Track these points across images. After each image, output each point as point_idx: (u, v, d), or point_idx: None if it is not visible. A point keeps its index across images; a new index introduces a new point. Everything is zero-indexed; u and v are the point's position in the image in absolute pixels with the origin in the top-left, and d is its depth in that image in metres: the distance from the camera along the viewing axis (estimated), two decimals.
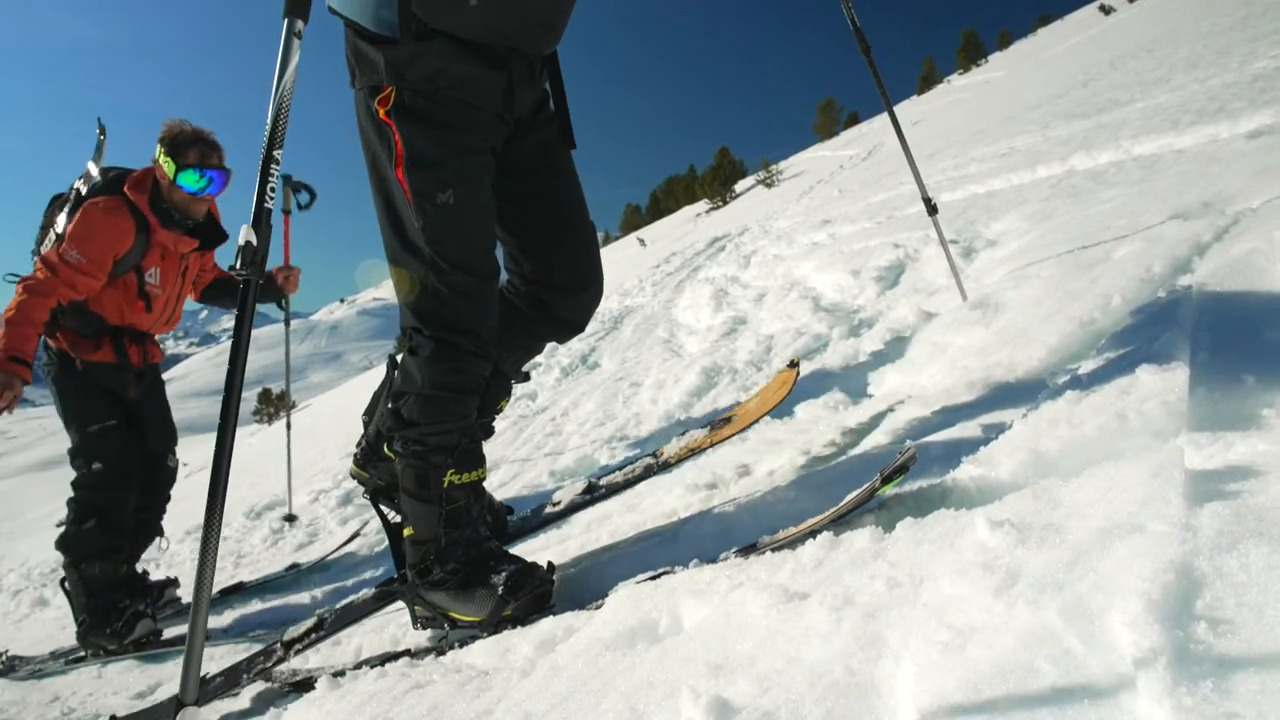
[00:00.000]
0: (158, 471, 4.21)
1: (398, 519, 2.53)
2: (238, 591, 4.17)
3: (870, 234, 6.16)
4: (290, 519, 5.19)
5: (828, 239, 7.42)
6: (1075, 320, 2.52)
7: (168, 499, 4.33)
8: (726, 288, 7.27)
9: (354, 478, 2.76)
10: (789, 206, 13.27)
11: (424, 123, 2.08)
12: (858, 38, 3.19)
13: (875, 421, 2.65)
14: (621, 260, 25.47)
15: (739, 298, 6.63)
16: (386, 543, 4.09)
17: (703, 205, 44.91)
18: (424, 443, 2.25)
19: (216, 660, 3.42)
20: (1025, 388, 2.25)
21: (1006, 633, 1.05)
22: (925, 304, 3.92)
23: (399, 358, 2.37)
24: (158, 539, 4.35)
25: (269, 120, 1.71)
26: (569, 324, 2.51)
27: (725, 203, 40.84)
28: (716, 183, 44.21)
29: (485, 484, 2.67)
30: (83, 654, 3.93)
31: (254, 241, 1.63)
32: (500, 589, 2.19)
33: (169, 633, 3.95)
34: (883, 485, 1.71)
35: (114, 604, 3.87)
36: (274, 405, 54.52)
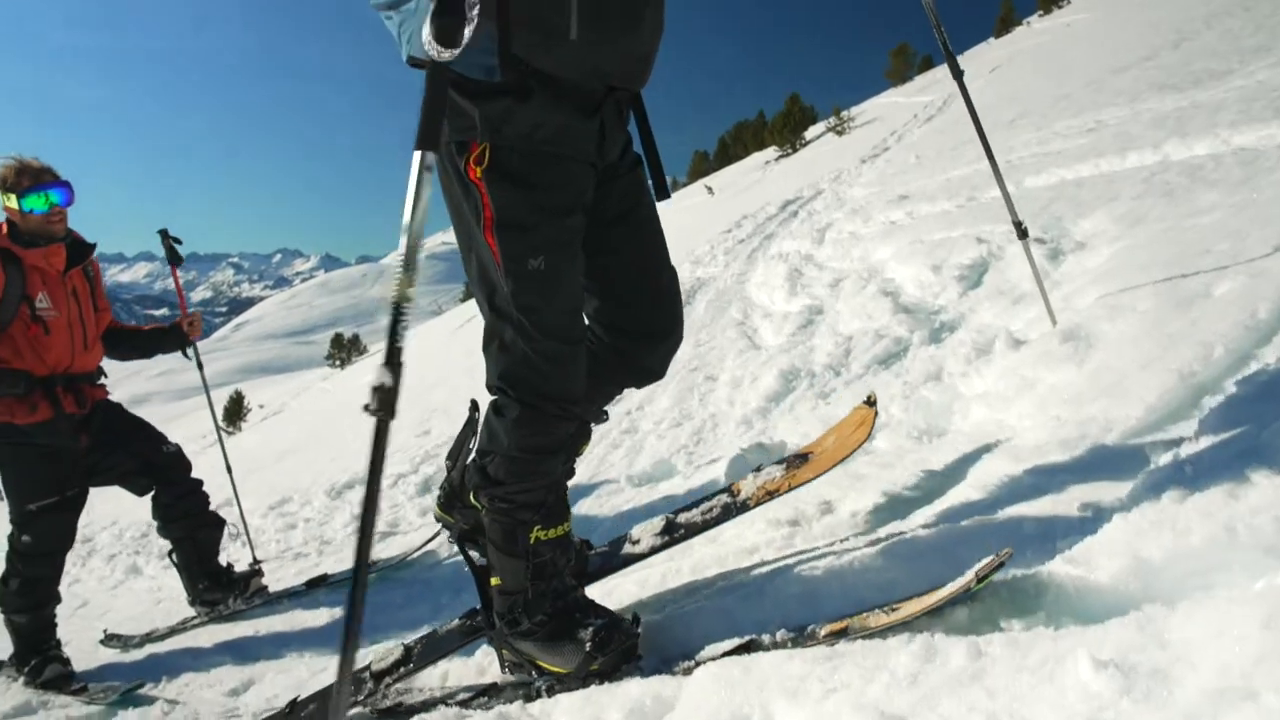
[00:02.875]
0: (166, 471, 4.37)
1: (483, 561, 2.58)
2: (322, 584, 4.32)
3: (952, 220, 6.02)
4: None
5: (906, 218, 7.28)
6: (1175, 372, 2.45)
7: (198, 485, 4.49)
8: (801, 267, 7.19)
9: (438, 520, 2.82)
10: (862, 170, 13.01)
11: (517, 184, 2.04)
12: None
13: (962, 469, 2.62)
14: (690, 210, 25.26)
15: (814, 280, 6.55)
16: None
17: (771, 152, 44.10)
18: (511, 500, 2.29)
19: (305, 662, 3.57)
20: (1123, 456, 2.19)
21: None
22: (1011, 321, 3.84)
23: (483, 412, 2.39)
24: (223, 528, 4.52)
25: (403, 253, 1.67)
26: (649, 372, 2.50)
27: (795, 149, 40.11)
28: (786, 129, 43.32)
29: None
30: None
31: (387, 382, 1.62)
32: (588, 644, 2.23)
33: (219, 634, 4.11)
34: (978, 584, 1.71)
35: (36, 648, 4.07)
36: (347, 350, 55.87)
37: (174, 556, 4.44)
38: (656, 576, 2.91)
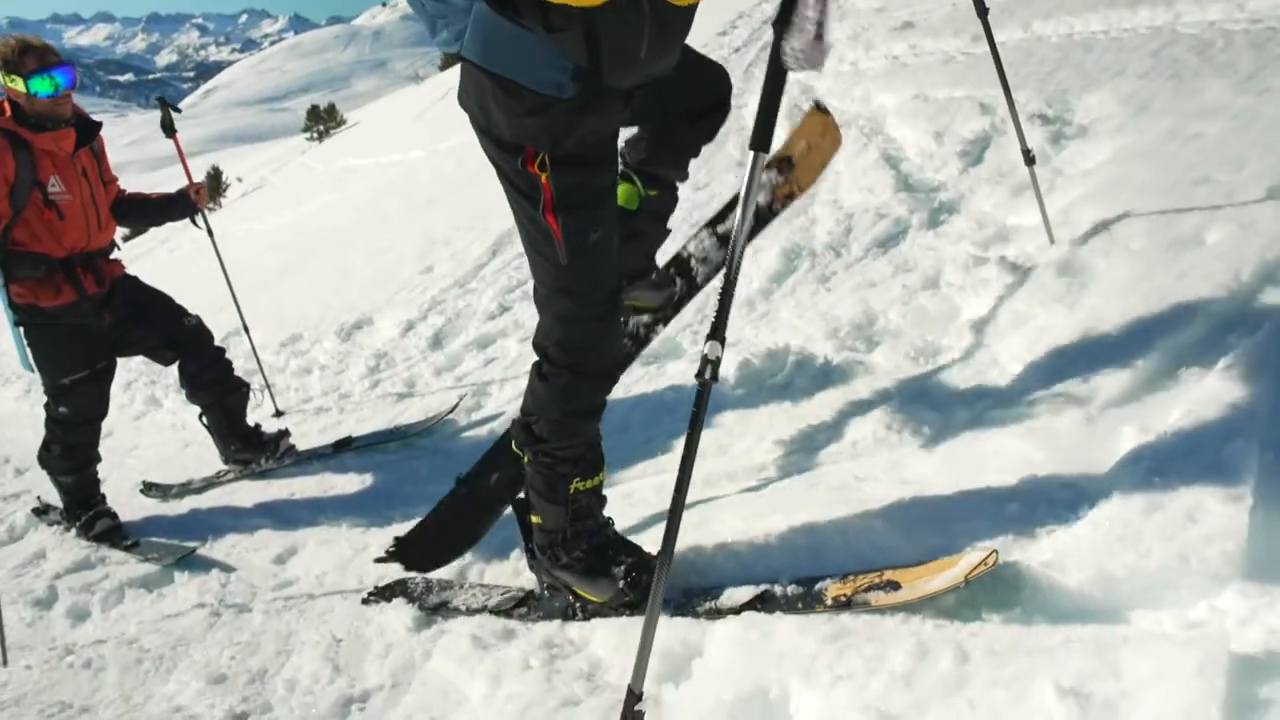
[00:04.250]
0: (190, 344, 4.54)
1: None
2: (348, 446, 4.63)
3: (956, 74, 5.99)
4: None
5: (909, 53, 7.18)
6: (1157, 337, 2.68)
7: (220, 354, 4.67)
8: (799, 101, 7.14)
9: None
10: None
11: (573, 169, 2.19)
12: None
13: (956, 414, 2.86)
14: None
15: None
16: (484, 407, 4.49)
17: None
18: (552, 455, 2.55)
19: (344, 534, 3.91)
20: (1102, 434, 2.44)
21: None
22: (1009, 216, 4.00)
23: (530, 372, 2.60)
24: (248, 392, 4.78)
25: (738, 242, 1.92)
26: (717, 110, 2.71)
27: None
28: None
29: None
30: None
31: (718, 354, 1.89)
32: (620, 581, 2.55)
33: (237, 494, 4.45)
34: (966, 583, 2.00)
35: (84, 503, 4.42)
36: (324, 121, 54.29)
37: (204, 420, 4.71)
38: (670, 482, 3.21)
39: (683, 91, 2.56)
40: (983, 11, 3.28)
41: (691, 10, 2.17)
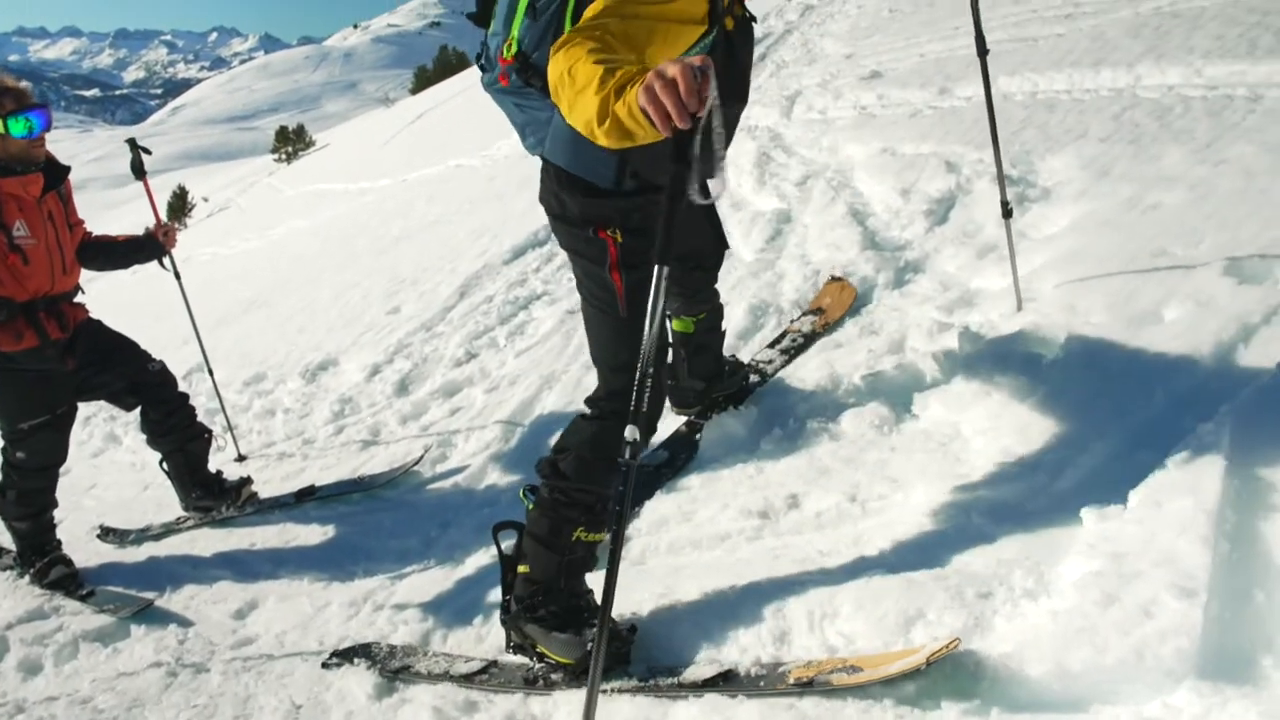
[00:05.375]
0: (153, 389, 4.49)
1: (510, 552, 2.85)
2: (311, 496, 4.58)
3: (923, 128, 6.09)
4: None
5: (876, 103, 7.30)
6: (1116, 410, 2.74)
7: (184, 400, 4.62)
8: (769, 150, 7.24)
9: None
10: (835, 11, 12.57)
11: (635, 236, 2.56)
12: None
13: (918, 487, 2.90)
14: None
15: (783, 171, 6.63)
16: (450, 459, 4.47)
17: None
18: (568, 495, 2.64)
19: (305, 589, 3.86)
20: (1062, 511, 2.47)
21: None
22: (973, 278, 4.07)
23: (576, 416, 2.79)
24: (210, 439, 4.72)
25: (644, 350, 2.07)
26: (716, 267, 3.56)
27: None
28: None
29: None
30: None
31: (636, 437, 2.04)
32: (589, 643, 2.56)
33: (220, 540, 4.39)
34: (928, 666, 2.02)
35: (39, 549, 4.34)
36: (292, 142, 54.14)
37: (164, 466, 4.65)
38: (637, 549, 3.22)
39: (693, 245, 3.31)
40: (983, 52, 3.36)
41: (734, 130, 2.77)
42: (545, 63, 2.31)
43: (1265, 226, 3.35)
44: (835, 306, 4.35)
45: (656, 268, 1.96)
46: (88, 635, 3.83)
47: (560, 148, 2.57)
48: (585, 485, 2.64)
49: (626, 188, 2.53)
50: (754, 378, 3.98)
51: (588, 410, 2.74)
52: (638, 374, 2.04)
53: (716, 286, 3.61)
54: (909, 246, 4.74)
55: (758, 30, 3.07)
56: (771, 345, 4.27)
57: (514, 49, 2.48)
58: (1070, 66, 6.10)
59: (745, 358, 4.26)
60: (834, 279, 4.58)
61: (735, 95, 2.64)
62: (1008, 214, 3.56)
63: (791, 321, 4.43)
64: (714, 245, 3.46)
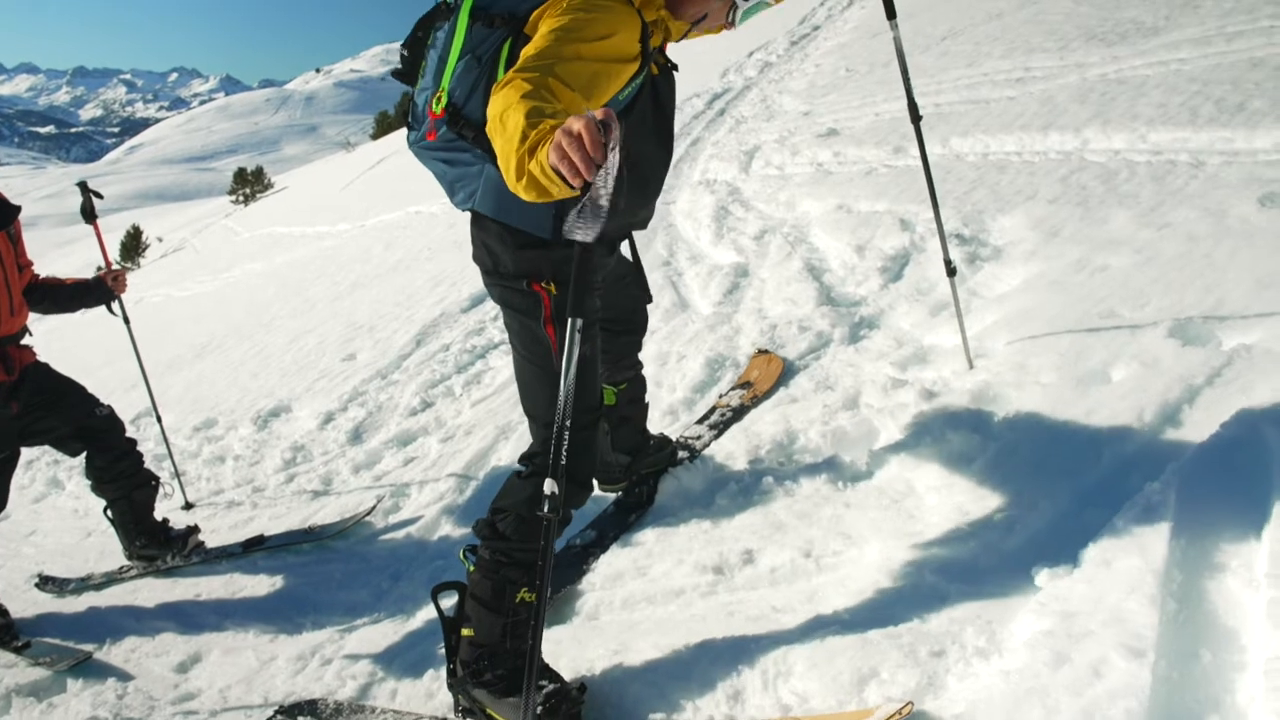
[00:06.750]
0: (100, 435, 4.42)
1: (451, 613, 2.81)
2: (259, 546, 4.49)
3: (878, 187, 6.19)
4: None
5: (833, 161, 7.43)
6: (1065, 469, 2.78)
7: (132, 446, 4.55)
8: (727, 204, 7.33)
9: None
10: (792, 56, 12.82)
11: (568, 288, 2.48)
12: None
13: (872, 545, 2.91)
14: None
15: (741, 224, 6.72)
16: (402, 510, 4.41)
17: None
18: (509, 556, 2.60)
19: (250, 642, 3.78)
20: (1012, 573, 2.49)
21: None
22: (926, 335, 4.13)
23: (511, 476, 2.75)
24: (157, 486, 4.62)
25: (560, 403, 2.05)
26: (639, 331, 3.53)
27: None
28: None
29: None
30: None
31: (556, 490, 2.04)
32: (539, 706, 2.51)
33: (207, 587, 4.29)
34: None
35: None
36: (250, 185, 53.83)
37: (109, 514, 4.54)
38: (591, 604, 3.19)
39: (621, 307, 3.28)
40: (916, 118, 3.45)
41: (663, 173, 2.79)
42: (477, 114, 2.38)
43: (1208, 290, 3.44)
44: (764, 379, 4.35)
45: (569, 320, 1.99)
46: (21, 690, 3.72)
47: (494, 199, 2.54)
48: (525, 545, 2.58)
49: (564, 238, 2.50)
50: (682, 454, 3.88)
51: (522, 468, 2.71)
52: (555, 426, 2.05)
53: (640, 356, 3.58)
54: (864, 302, 4.80)
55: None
56: (700, 421, 4.24)
57: (444, 101, 2.47)
58: (1020, 129, 6.26)
59: (698, 414, 4.28)
60: (761, 351, 4.59)
61: (660, 142, 2.69)
62: (952, 273, 3.63)
63: (720, 396, 4.40)
64: (642, 308, 3.44)
